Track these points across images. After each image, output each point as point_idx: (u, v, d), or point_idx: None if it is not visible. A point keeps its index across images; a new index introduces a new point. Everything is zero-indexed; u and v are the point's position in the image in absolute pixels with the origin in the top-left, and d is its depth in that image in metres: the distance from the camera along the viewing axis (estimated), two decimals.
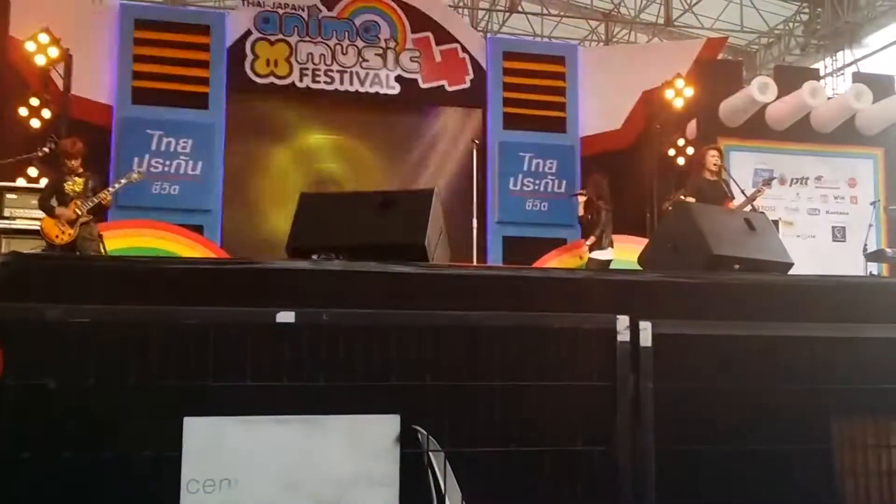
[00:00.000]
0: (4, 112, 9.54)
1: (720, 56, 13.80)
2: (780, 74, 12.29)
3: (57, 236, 7.40)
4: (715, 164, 7.91)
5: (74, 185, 7.58)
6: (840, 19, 16.69)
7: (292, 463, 2.34)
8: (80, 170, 7.66)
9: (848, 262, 10.73)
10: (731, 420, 2.80)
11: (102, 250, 7.63)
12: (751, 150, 11.64)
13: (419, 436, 2.55)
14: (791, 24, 18.18)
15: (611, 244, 9.57)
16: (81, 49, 10.45)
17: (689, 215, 4.54)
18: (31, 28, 9.78)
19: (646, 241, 6.49)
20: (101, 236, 7.73)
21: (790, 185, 11.86)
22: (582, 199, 9.94)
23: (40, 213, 7.66)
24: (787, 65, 17.31)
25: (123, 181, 7.97)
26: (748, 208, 7.77)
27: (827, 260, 10.76)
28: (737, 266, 4.20)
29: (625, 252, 8.98)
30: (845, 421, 2.95)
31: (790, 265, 4.62)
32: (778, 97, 11.34)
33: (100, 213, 7.99)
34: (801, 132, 11.77)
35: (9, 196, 8.67)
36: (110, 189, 7.80)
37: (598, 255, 9.51)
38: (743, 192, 8.09)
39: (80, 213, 7.45)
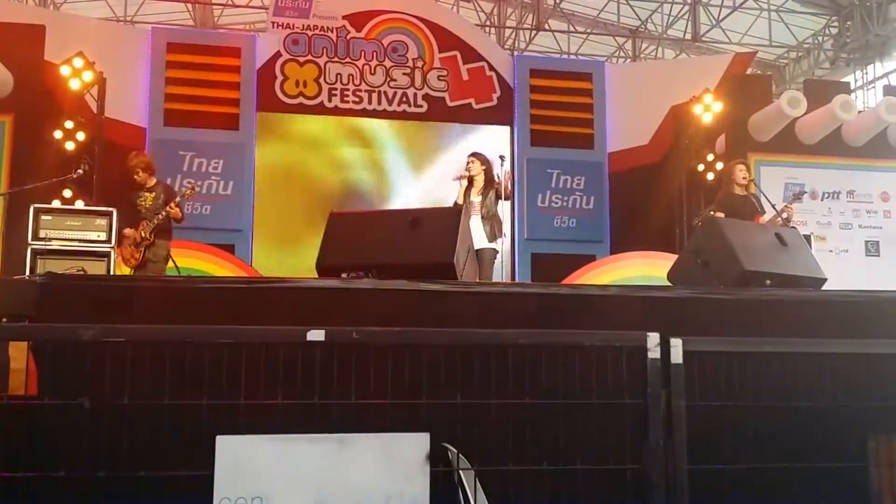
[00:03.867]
0: (40, 135, 9.71)
1: (749, 71, 13.72)
2: (809, 88, 12.19)
3: (127, 260, 7.38)
4: (744, 179, 7.85)
5: (144, 200, 7.54)
6: (870, 32, 16.51)
7: (323, 481, 2.34)
8: (150, 184, 7.58)
9: (882, 277, 10.58)
10: (765, 438, 2.77)
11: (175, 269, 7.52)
12: (781, 164, 11.52)
13: (449, 454, 2.54)
14: (820, 38, 18.01)
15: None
16: (115, 72, 10.62)
17: (719, 231, 4.51)
18: (65, 52, 9.97)
19: (675, 256, 6.45)
20: (169, 255, 7.61)
21: (822, 200, 11.71)
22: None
23: (75, 234, 7.66)
24: (817, 79, 17.14)
25: (179, 199, 7.73)
26: (778, 222, 7.69)
27: (860, 275, 10.61)
28: (768, 282, 4.17)
29: (654, 268, 8.89)
30: (882, 439, 2.91)
31: (823, 280, 4.58)
32: (808, 111, 11.24)
33: (169, 230, 7.72)
34: (833, 146, 11.63)
35: (44, 217, 8.78)
36: (168, 208, 7.52)
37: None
38: (773, 206, 8.01)
39: (144, 234, 7.35)
